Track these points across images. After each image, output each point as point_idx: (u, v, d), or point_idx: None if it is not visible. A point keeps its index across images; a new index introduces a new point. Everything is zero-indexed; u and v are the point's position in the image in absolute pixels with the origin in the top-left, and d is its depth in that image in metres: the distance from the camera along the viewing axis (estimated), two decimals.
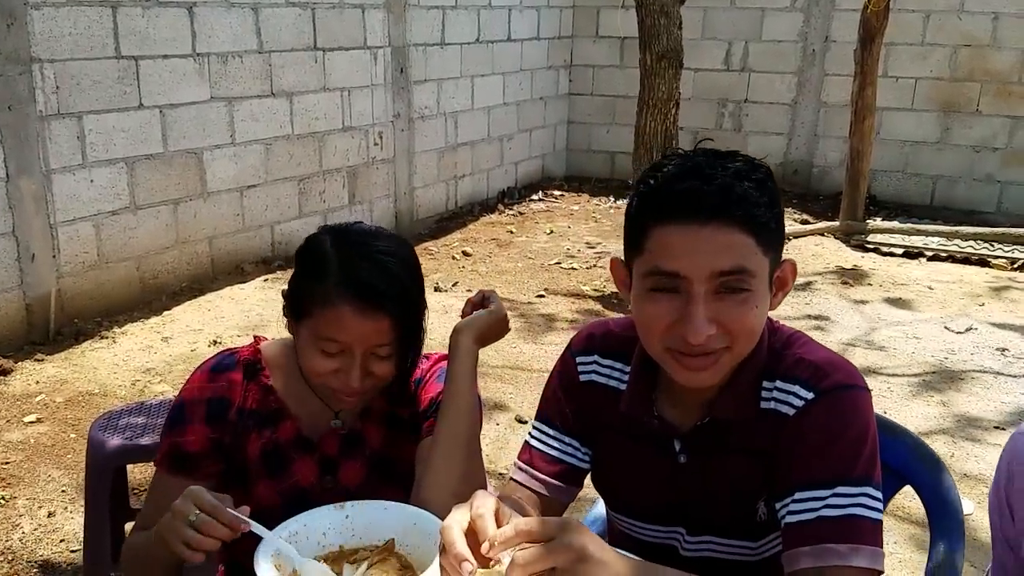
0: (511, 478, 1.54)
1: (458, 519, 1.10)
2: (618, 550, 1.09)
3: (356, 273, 1.45)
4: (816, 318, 5.34)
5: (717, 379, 1.32)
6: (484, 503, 1.10)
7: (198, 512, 1.24)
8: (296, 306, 1.51)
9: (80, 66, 4.68)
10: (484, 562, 1.06)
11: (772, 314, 1.37)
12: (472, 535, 1.08)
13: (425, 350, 1.64)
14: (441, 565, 1.10)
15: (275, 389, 1.56)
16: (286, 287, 1.56)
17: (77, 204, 4.78)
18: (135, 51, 4.95)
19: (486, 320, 1.60)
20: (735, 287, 1.25)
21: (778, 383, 1.34)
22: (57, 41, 4.55)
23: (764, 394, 1.35)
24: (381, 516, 1.35)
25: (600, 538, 1.04)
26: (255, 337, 1.65)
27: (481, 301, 1.64)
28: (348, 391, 1.48)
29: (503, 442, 3.75)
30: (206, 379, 1.56)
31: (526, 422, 3.87)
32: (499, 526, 1.08)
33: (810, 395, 1.31)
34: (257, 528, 1.26)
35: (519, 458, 1.54)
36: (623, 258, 1.38)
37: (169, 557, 1.37)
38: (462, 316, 1.62)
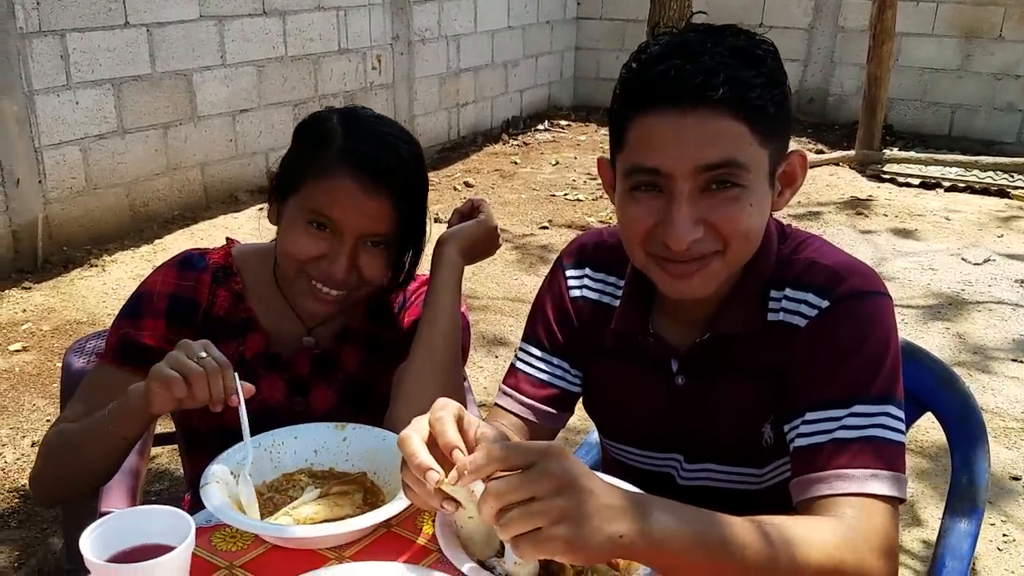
0: (495, 403, 1.41)
1: (417, 428, 0.98)
2: (605, 476, 0.95)
3: (361, 144, 1.33)
4: (819, 237, 5.17)
5: (709, 289, 1.18)
6: (445, 407, 0.99)
7: (206, 354, 1.13)
8: (288, 179, 1.37)
9: None
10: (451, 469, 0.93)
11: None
12: (436, 447, 0.96)
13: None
14: (405, 483, 0.98)
15: (246, 297, 1.43)
16: (276, 166, 1.42)
17: (62, 127, 4.61)
18: None
19: (474, 231, 1.45)
20: (725, 182, 1.10)
21: (787, 291, 1.20)
22: None
23: (772, 304, 1.21)
24: (378, 446, 1.25)
25: (584, 464, 0.90)
26: (227, 239, 1.52)
27: (470, 211, 1.48)
28: (331, 282, 1.34)
29: (502, 375, 3.62)
30: (173, 274, 1.42)
31: None
32: (462, 434, 0.97)
33: (824, 303, 1.17)
34: (242, 411, 1.15)
35: (504, 382, 1.41)
36: (609, 157, 1.23)
37: (129, 425, 1.21)
38: (448, 226, 1.46)
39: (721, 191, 1.10)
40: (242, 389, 1.15)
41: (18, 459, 3.01)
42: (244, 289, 1.44)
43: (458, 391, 1.40)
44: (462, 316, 1.47)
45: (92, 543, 0.89)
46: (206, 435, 1.44)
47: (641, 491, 1.01)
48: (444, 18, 7.12)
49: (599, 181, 6.02)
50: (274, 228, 1.46)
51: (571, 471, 0.87)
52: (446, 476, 0.92)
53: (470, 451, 0.94)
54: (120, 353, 1.37)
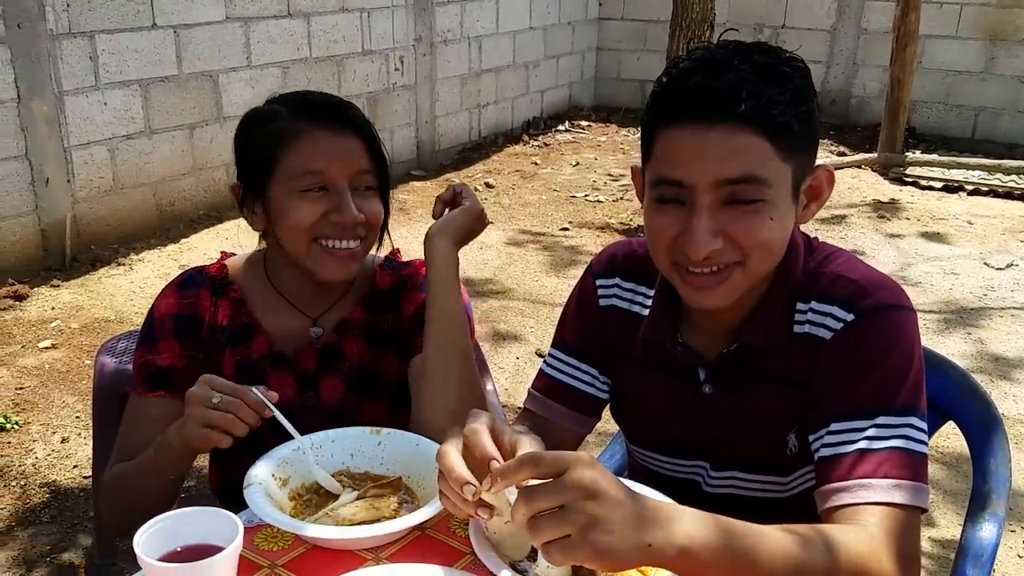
0: (524, 407, 1.44)
1: (453, 443, 1.02)
2: (633, 483, 0.98)
3: (312, 100, 1.41)
4: (846, 251, 5.16)
5: (729, 300, 1.20)
6: (477, 419, 1.03)
7: (220, 394, 1.17)
8: (259, 170, 1.40)
9: None
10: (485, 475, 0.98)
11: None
12: (472, 457, 1.00)
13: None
14: (442, 492, 1.02)
15: (246, 302, 1.47)
16: (237, 179, 1.46)
17: (91, 127, 4.67)
18: None
19: (461, 219, 1.46)
20: (745, 197, 1.13)
21: (813, 304, 1.22)
22: None
23: (798, 316, 1.24)
24: (413, 451, 1.28)
25: (613, 474, 0.92)
26: (222, 253, 1.56)
27: (452, 198, 1.49)
28: (346, 231, 1.37)
29: (522, 376, 3.66)
30: (174, 296, 1.47)
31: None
32: (496, 441, 1.01)
33: (849, 316, 1.19)
34: (279, 416, 1.20)
35: (533, 386, 1.44)
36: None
37: (175, 468, 1.28)
38: (434, 217, 1.48)
39: (741, 204, 1.13)
40: (268, 397, 1.19)
41: (48, 455, 3.06)
42: (243, 295, 1.48)
43: (475, 383, 1.42)
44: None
45: (144, 543, 0.93)
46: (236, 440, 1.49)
47: (669, 499, 1.04)
48: (466, 19, 7.15)
49: (620, 182, 6.02)
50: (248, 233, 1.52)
51: (601, 480, 0.90)
52: (481, 485, 0.96)
53: (505, 458, 0.98)
54: (147, 381, 1.43)
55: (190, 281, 1.48)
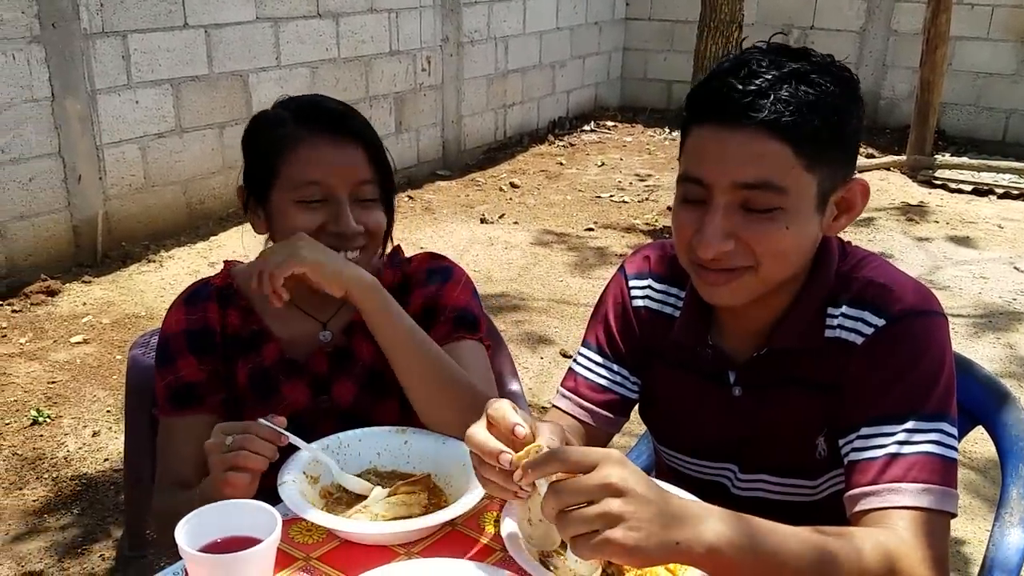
0: (553, 405, 1.45)
1: (478, 424, 1.05)
2: (661, 483, 0.99)
3: (311, 110, 1.40)
4: (879, 256, 5.12)
5: (740, 299, 1.22)
6: (497, 404, 1.05)
7: (232, 436, 1.17)
8: (261, 176, 1.40)
9: None
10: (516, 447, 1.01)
11: None
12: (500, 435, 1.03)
13: (475, 279, 1.54)
14: (483, 477, 1.04)
15: (254, 310, 1.48)
16: (241, 182, 1.47)
17: (123, 125, 4.74)
18: None
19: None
20: (760, 204, 1.13)
21: (844, 309, 1.23)
22: None
23: (829, 321, 1.24)
24: (439, 449, 1.30)
25: (643, 472, 0.94)
26: (225, 262, 1.56)
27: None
28: (345, 241, 1.37)
29: (547, 376, 3.67)
30: (182, 312, 1.48)
31: (570, 356, 3.79)
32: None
33: (880, 321, 1.19)
34: (296, 441, 1.21)
35: (563, 385, 1.45)
36: None
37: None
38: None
39: (757, 210, 1.14)
40: (276, 424, 1.18)
41: (80, 448, 3.11)
42: (251, 303, 1.48)
43: (472, 395, 1.38)
44: (459, 278, 1.51)
45: (186, 534, 0.95)
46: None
47: (696, 498, 1.05)
48: (494, 19, 7.17)
49: (646, 183, 5.99)
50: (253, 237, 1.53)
51: (630, 477, 0.91)
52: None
53: (527, 443, 1.00)
54: (172, 402, 1.43)
55: (196, 295, 1.49)
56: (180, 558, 0.98)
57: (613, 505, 0.89)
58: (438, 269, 1.54)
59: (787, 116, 1.10)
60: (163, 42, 4.83)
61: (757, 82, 1.10)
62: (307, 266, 1.29)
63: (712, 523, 0.95)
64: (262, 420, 1.18)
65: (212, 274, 1.54)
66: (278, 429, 1.18)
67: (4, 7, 4.12)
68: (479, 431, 1.03)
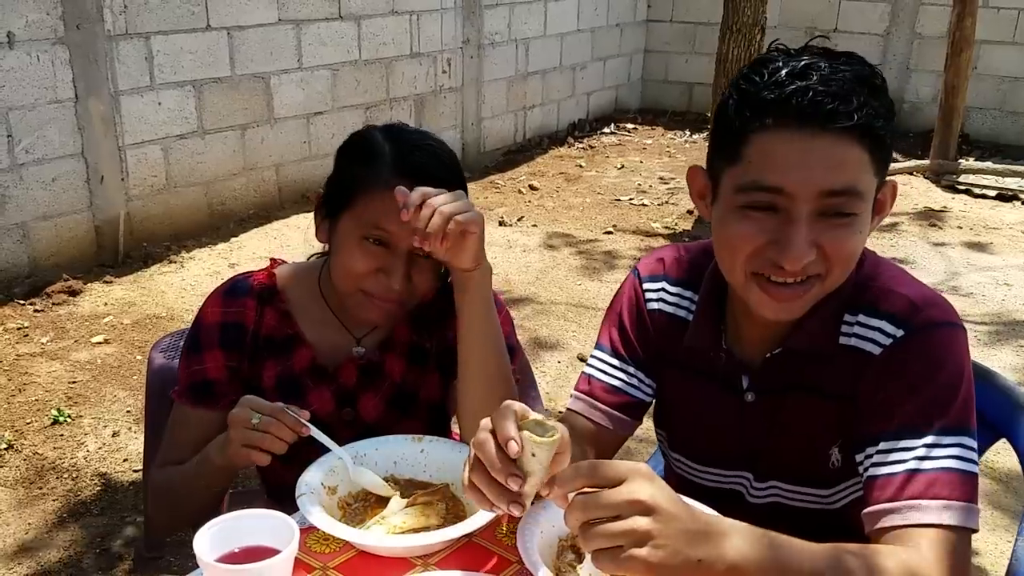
0: (568, 408, 1.43)
1: (483, 434, 1.01)
2: (686, 499, 0.98)
3: (412, 157, 1.38)
4: (901, 261, 5.08)
5: (802, 312, 1.19)
6: (503, 408, 1.01)
7: (260, 415, 1.21)
8: (340, 196, 1.40)
9: None
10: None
11: None
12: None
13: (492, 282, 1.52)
14: (473, 484, 1.01)
15: (292, 314, 1.48)
16: (322, 188, 1.47)
17: (145, 127, 4.77)
18: None
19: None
20: (841, 210, 1.10)
21: (861, 317, 1.21)
22: None
23: (844, 328, 1.22)
24: (456, 458, 1.30)
25: (669, 487, 0.93)
26: (271, 260, 1.57)
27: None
28: (387, 296, 1.37)
29: (564, 380, 3.66)
30: (219, 304, 1.48)
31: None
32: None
33: (899, 332, 1.17)
34: (317, 434, 1.23)
35: (577, 388, 1.43)
36: (706, 165, 1.24)
37: (216, 481, 1.32)
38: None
39: (836, 217, 1.11)
40: (300, 416, 1.23)
41: (99, 448, 3.13)
42: (290, 306, 1.48)
43: (507, 389, 1.41)
44: (501, 309, 1.49)
45: (204, 544, 0.96)
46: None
47: (717, 513, 1.04)
48: (514, 21, 7.16)
49: (666, 185, 5.93)
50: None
51: (659, 494, 0.91)
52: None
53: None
54: (191, 393, 1.46)
55: (236, 289, 1.49)
56: (184, 549, 0.99)
57: (641, 523, 0.89)
58: None
59: (871, 120, 1.07)
60: (186, 44, 4.86)
61: (838, 82, 1.07)
62: (477, 224, 1.27)
63: (735, 540, 0.94)
64: (287, 409, 1.22)
65: (255, 269, 1.55)
66: (302, 420, 1.22)
67: (29, 8, 4.16)
68: (483, 439, 1.00)
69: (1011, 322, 4.32)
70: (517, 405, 1.02)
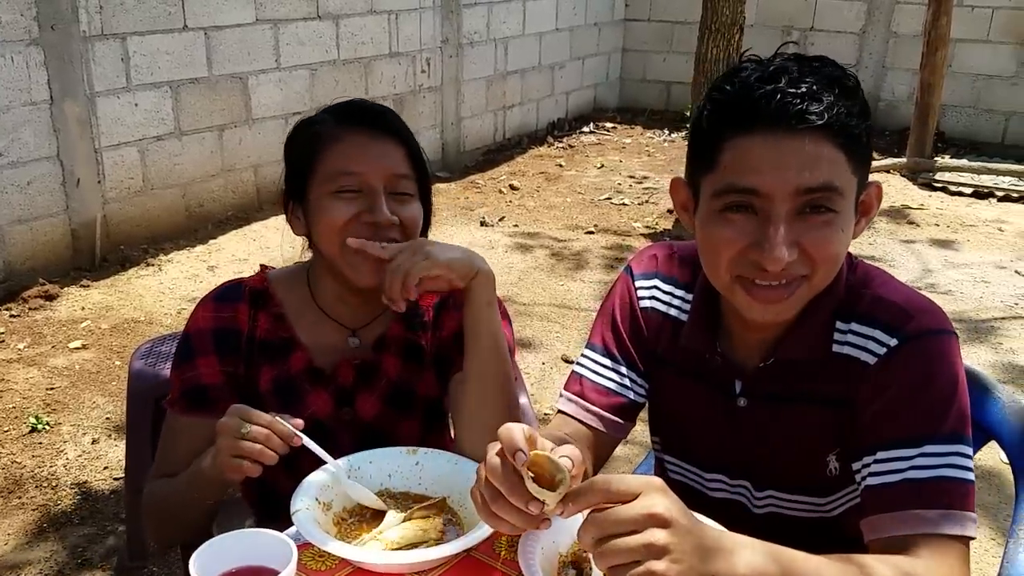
0: (559, 410, 1.41)
1: (492, 458, 1.00)
2: (697, 515, 0.97)
3: (354, 106, 1.44)
4: (879, 260, 5.12)
5: (792, 313, 1.19)
6: (508, 426, 1.00)
7: (249, 425, 1.17)
8: (300, 174, 1.42)
9: None
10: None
11: None
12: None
13: None
14: (491, 513, 1.00)
15: (286, 317, 1.47)
16: (282, 187, 1.49)
17: (122, 129, 4.71)
18: None
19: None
20: (820, 206, 1.11)
21: (854, 326, 1.21)
22: None
23: (837, 336, 1.22)
24: (451, 470, 1.28)
25: (682, 502, 0.92)
26: (261, 266, 1.56)
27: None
28: (379, 232, 1.36)
29: (548, 382, 3.65)
30: (211, 309, 1.46)
31: (571, 361, 3.77)
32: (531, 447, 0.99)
33: (893, 341, 1.17)
34: (309, 444, 1.20)
35: (568, 389, 1.41)
36: (685, 177, 1.25)
37: (208, 494, 1.29)
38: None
39: (815, 215, 1.11)
40: (293, 426, 1.20)
41: (79, 456, 3.09)
42: (283, 310, 1.47)
43: (514, 406, 1.41)
44: (503, 315, 1.49)
45: (200, 564, 0.94)
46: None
47: (723, 528, 1.03)
48: (493, 21, 7.15)
49: (644, 185, 5.95)
50: (290, 245, 1.53)
51: (674, 507, 0.90)
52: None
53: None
54: (184, 400, 1.42)
55: (228, 294, 1.48)
56: (167, 558, 0.96)
57: (658, 536, 0.88)
58: None
59: (843, 119, 1.08)
60: (162, 44, 4.80)
61: (806, 86, 1.08)
62: (442, 266, 1.30)
63: (745, 554, 0.94)
64: (279, 418, 1.19)
65: (246, 275, 1.53)
66: (294, 431, 1.19)
67: (2, 9, 4.09)
68: (492, 461, 0.99)
69: (989, 319, 4.37)
70: (526, 428, 1.00)
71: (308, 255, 1.53)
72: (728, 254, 1.15)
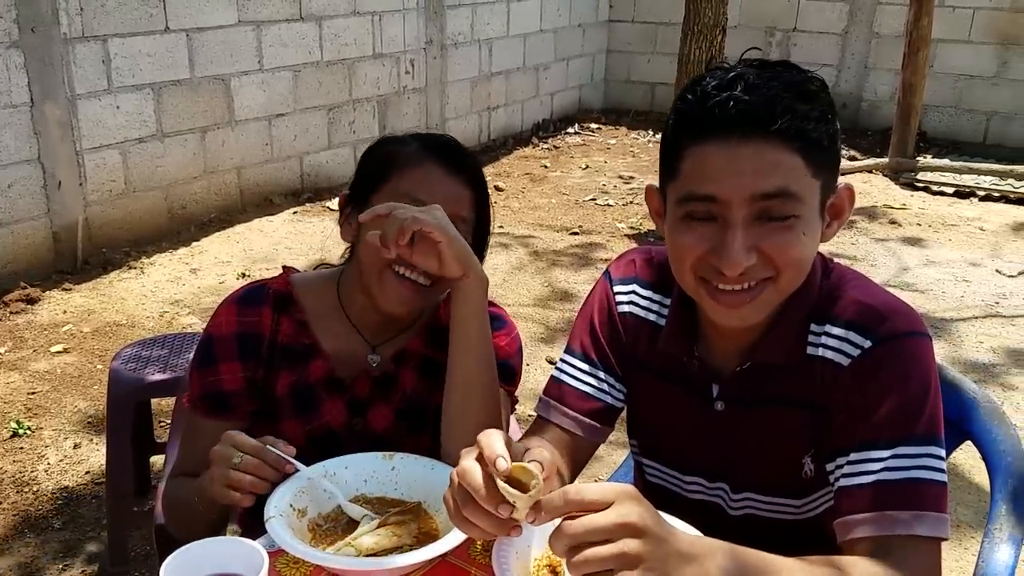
0: (538, 415, 1.41)
1: (470, 458, 1.01)
2: (670, 519, 0.98)
3: (442, 140, 1.47)
4: (860, 259, 5.15)
5: (759, 316, 1.20)
6: (488, 432, 1.01)
7: (241, 455, 1.18)
8: (369, 181, 1.44)
9: None
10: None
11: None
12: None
13: None
14: (461, 517, 1.00)
15: (309, 324, 1.46)
16: (347, 190, 1.51)
17: (103, 131, 4.69)
18: None
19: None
20: (779, 213, 1.12)
21: (828, 327, 1.22)
22: None
23: (812, 339, 1.23)
24: (427, 475, 1.28)
25: (657, 510, 0.92)
26: (284, 268, 1.55)
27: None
28: (416, 262, 1.36)
29: (533, 383, 3.65)
30: (234, 313, 1.45)
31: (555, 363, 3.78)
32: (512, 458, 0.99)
33: (866, 343, 1.18)
34: (304, 471, 1.21)
35: (547, 394, 1.41)
36: (658, 185, 1.26)
37: (212, 510, 1.32)
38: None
39: (775, 220, 1.12)
40: (286, 453, 1.21)
41: (60, 460, 3.07)
42: (306, 316, 1.46)
43: (496, 416, 1.41)
44: (511, 330, 1.51)
45: (171, 572, 0.93)
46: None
47: (698, 531, 1.04)
48: (477, 22, 7.15)
49: (630, 185, 5.98)
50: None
51: (648, 516, 0.90)
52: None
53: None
54: (206, 404, 1.43)
55: (251, 297, 1.47)
56: (149, 563, 0.96)
57: (632, 545, 0.88)
58: (494, 316, 1.52)
59: (796, 124, 1.09)
60: (144, 46, 4.78)
61: (762, 92, 1.09)
62: (446, 235, 1.30)
63: (718, 559, 0.95)
64: (271, 447, 1.20)
65: (269, 277, 1.53)
66: (286, 457, 1.20)
67: None
68: (465, 465, 0.99)
69: (970, 318, 4.40)
70: (504, 436, 1.01)
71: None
72: (690, 259, 1.17)
